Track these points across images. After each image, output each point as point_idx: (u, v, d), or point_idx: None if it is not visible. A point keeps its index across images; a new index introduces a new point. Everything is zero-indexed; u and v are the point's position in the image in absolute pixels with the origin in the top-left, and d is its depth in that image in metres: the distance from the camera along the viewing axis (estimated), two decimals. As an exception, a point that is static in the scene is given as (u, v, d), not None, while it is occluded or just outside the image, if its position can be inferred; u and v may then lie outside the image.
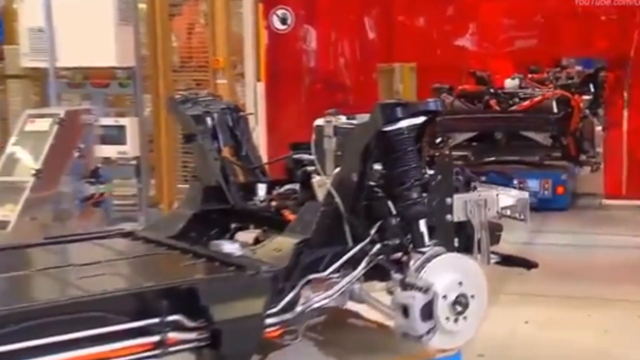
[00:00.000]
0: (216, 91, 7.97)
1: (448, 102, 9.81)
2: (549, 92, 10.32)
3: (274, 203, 3.87)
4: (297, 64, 10.19)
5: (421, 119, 3.29)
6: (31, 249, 3.81)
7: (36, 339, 2.67)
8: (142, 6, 9.14)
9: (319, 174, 3.63)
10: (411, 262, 3.24)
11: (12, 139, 7.35)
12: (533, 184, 9.36)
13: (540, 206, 8.93)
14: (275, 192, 3.93)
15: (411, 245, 3.29)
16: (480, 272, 3.32)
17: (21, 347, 2.64)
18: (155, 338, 2.85)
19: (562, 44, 10.56)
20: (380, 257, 3.29)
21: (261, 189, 3.93)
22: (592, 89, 10.88)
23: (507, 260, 3.70)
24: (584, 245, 7.99)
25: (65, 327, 2.72)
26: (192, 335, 2.93)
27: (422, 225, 3.29)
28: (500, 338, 5.27)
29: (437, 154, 3.56)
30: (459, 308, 3.21)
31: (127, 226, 5.17)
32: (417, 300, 3.12)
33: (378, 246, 3.29)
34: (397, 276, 3.25)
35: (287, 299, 3.13)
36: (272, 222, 3.73)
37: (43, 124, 7.26)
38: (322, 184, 3.55)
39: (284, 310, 3.12)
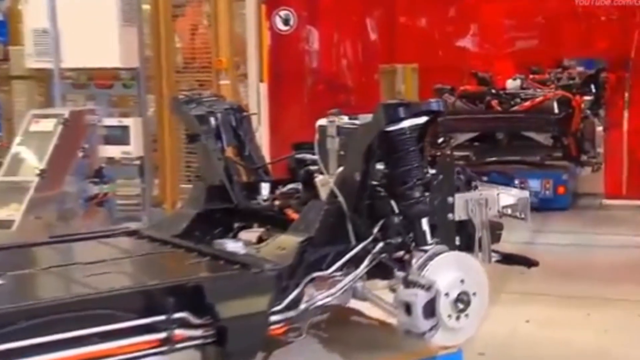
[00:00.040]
0: (219, 92, 8.00)
1: (450, 103, 9.84)
2: (550, 92, 10.37)
3: (277, 202, 3.89)
4: (299, 64, 10.19)
5: (423, 119, 3.32)
6: (37, 247, 3.82)
7: (45, 336, 2.69)
8: (146, 7, 9.18)
9: (322, 174, 3.65)
10: (413, 260, 3.26)
11: (17, 139, 7.39)
12: (534, 183, 9.39)
13: (541, 206, 8.97)
14: (278, 192, 3.95)
15: (413, 244, 3.32)
16: (482, 270, 3.35)
17: (30, 344, 2.67)
18: (162, 335, 2.87)
19: (564, 44, 10.56)
20: (383, 255, 3.32)
21: (264, 189, 3.95)
22: (593, 90, 10.92)
23: (508, 259, 3.73)
24: (585, 245, 8.03)
25: (74, 324, 2.75)
26: (198, 332, 2.95)
27: (425, 223, 3.32)
28: (501, 337, 5.29)
29: (438, 153, 3.59)
30: (460, 305, 3.23)
31: (131, 225, 5.18)
32: (419, 298, 3.15)
33: (380, 244, 3.32)
34: (399, 274, 3.27)
35: (291, 296, 3.15)
36: (275, 221, 3.75)
37: (47, 124, 7.28)
38: (325, 183, 3.56)
39: (288, 307, 3.14)
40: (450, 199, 3.43)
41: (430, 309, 3.17)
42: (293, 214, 3.65)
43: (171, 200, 9.21)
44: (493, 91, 10.51)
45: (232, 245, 3.48)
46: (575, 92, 10.52)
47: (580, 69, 12.38)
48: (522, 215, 3.61)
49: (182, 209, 4.09)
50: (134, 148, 8.36)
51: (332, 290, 3.27)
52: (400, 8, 10.53)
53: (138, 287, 3.01)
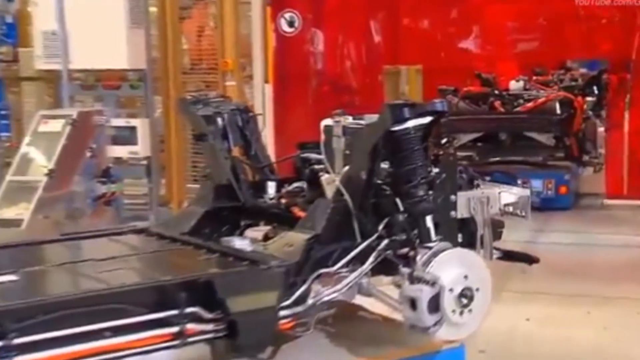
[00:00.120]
0: (225, 93, 8.03)
1: (453, 104, 9.89)
2: (552, 93, 10.40)
3: (283, 200, 3.92)
4: (304, 66, 10.25)
5: (428, 119, 3.37)
6: (49, 245, 3.86)
7: (62, 330, 2.74)
8: (153, 9, 9.24)
9: (327, 173, 3.69)
10: (418, 257, 3.30)
11: (26, 139, 7.47)
12: (537, 183, 9.44)
13: (544, 206, 9.04)
14: (283, 190, 3.99)
15: (418, 241, 3.36)
16: (485, 267, 3.39)
17: (47, 337, 2.72)
18: (175, 329, 2.92)
19: (566, 46, 10.59)
20: (388, 252, 3.36)
21: (271, 187, 3.99)
22: (596, 91, 10.95)
23: (509, 256, 3.77)
24: (586, 244, 8.08)
25: (89, 318, 2.80)
26: (210, 327, 2.99)
27: (429, 221, 3.36)
28: (501, 334, 5.34)
29: (441, 153, 3.64)
30: (464, 301, 3.28)
31: (139, 224, 5.22)
32: (424, 293, 3.19)
33: (385, 242, 3.36)
34: (404, 270, 3.31)
35: (298, 292, 3.20)
36: (282, 219, 3.79)
37: (56, 125, 7.36)
38: (331, 181, 3.60)
39: (296, 303, 3.18)
40: (453, 197, 3.47)
41: (434, 304, 3.21)
42: (299, 212, 3.68)
43: (178, 199, 9.27)
44: (496, 92, 10.54)
45: (239, 243, 3.53)
46: (578, 93, 10.54)
47: (583, 70, 12.41)
48: (523, 213, 3.65)
49: (191, 207, 4.12)
50: (141, 148, 8.43)
51: (338, 286, 3.31)
52: (405, 10, 10.55)
53: (151, 283, 3.05)
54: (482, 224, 3.53)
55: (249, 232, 3.90)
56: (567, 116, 10.00)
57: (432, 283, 3.21)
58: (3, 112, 8.60)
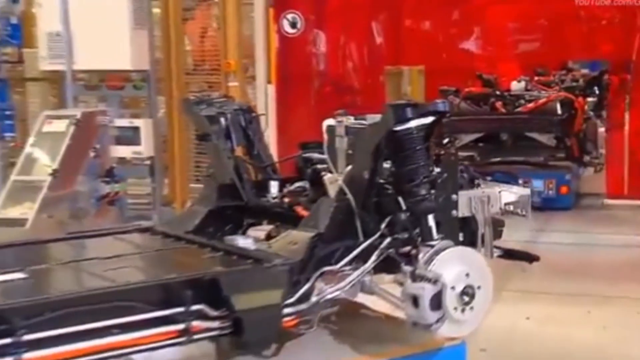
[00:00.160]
0: (228, 93, 8.07)
1: (455, 104, 9.92)
2: (553, 94, 10.43)
3: (286, 200, 3.95)
4: (306, 67, 10.30)
5: (430, 119, 3.38)
6: (55, 243, 3.88)
7: (70, 327, 2.77)
8: (156, 11, 9.26)
9: (330, 172, 3.71)
10: (420, 255, 3.32)
11: (31, 140, 7.53)
12: (538, 183, 9.48)
13: (545, 206, 9.08)
14: (286, 190, 4.01)
15: (420, 239, 3.37)
16: (486, 265, 3.41)
17: (55, 334, 2.75)
18: (180, 326, 2.94)
19: (568, 47, 10.63)
20: (390, 250, 3.38)
21: (273, 187, 4.00)
22: (597, 92, 10.98)
23: (510, 254, 3.79)
24: (586, 244, 8.10)
25: (97, 315, 2.83)
26: (215, 324, 3.02)
27: (431, 220, 3.38)
28: (501, 333, 5.38)
29: (443, 153, 3.66)
30: (466, 298, 3.29)
31: (143, 223, 5.24)
32: (426, 291, 3.21)
33: (388, 240, 3.37)
34: (407, 268, 3.32)
35: (302, 290, 3.22)
36: (285, 218, 3.81)
37: (60, 125, 7.42)
38: (333, 181, 3.62)
39: (300, 300, 3.20)
40: (454, 197, 3.49)
41: (436, 302, 3.23)
42: (302, 211, 3.70)
43: (181, 199, 9.30)
44: (497, 93, 10.57)
45: (242, 242, 3.56)
46: (579, 93, 10.56)
47: (584, 71, 12.43)
48: (523, 212, 3.66)
49: (194, 207, 4.13)
50: (145, 148, 8.46)
51: (341, 284, 3.32)
52: (407, 11, 10.59)
53: (157, 281, 3.08)
54: (482, 223, 3.54)
55: (252, 232, 3.92)
56: (568, 117, 10.03)
57: (434, 281, 3.23)
58: (8, 113, 8.64)
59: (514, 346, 5.40)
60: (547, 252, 6.15)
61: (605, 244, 8.06)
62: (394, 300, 3.41)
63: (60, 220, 7.10)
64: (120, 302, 2.91)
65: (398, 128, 3.33)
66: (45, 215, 6.98)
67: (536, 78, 11.33)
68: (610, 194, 9.75)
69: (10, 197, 7.16)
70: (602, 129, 10.29)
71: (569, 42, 10.46)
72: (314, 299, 3.27)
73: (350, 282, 3.35)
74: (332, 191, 3.61)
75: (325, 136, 3.81)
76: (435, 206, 3.42)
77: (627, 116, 9.60)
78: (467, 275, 3.31)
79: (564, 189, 9.73)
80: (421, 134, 3.37)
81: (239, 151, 4.14)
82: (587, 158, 10.22)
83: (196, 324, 2.98)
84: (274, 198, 4.00)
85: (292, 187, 4.03)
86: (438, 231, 3.41)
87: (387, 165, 3.50)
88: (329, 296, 3.32)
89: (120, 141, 8.14)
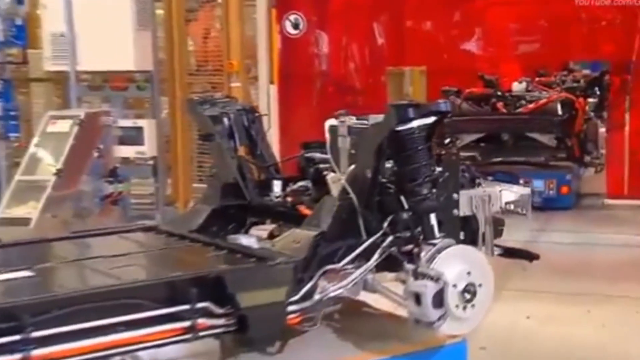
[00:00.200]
0: (230, 94, 8.10)
1: (456, 105, 9.95)
2: (554, 95, 10.47)
3: (289, 199, 3.97)
4: (308, 67, 10.33)
5: (431, 119, 3.40)
6: (61, 242, 3.90)
7: (78, 324, 2.80)
8: (160, 12, 9.30)
9: (333, 172, 3.73)
10: (422, 253, 3.34)
11: (35, 140, 7.56)
12: (538, 183, 9.51)
13: (545, 205, 9.11)
14: (289, 189, 4.03)
15: (421, 238, 3.40)
16: (487, 263, 3.43)
17: (63, 331, 2.77)
18: (186, 323, 2.97)
19: (569, 48, 10.66)
20: (392, 248, 3.40)
21: (276, 186, 4.02)
22: (598, 92, 11.01)
23: (510, 253, 3.80)
24: (587, 243, 8.14)
25: (104, 312, 2.86)
26: (220, 321, 3.04)
27: (433, 218, 3.40)
28: (501, 332, 5.42)
29: (444, 152, 3.68)
30: (467, 296, 3.31)
31: (147, 223, 5.25)
32: (429, 289, 3.24)
33: (390, 239, 3.39)
34: (409, 266, 3.35)
35: (305, 288, 3.24)
36: (287, 217, 3.83)
37: (64, 125, 7.45)
38: (336, 180, 3.65)
39: (303, 298, 3.22)
40: (455, 196, 3.51)
41: (439, 300, 3.25)
42: (305, 210, 3.73)
43: (183, 199, 9.33)
44: (498, 93, 10.61)
45: (245, 240, 3.59)
46: (580, 94, 10.60)
47: (586, 71, 12.46)
48: (524, 211, 3.68)
49: (198, 206, 4.15)
50: (148, 148, 8.51)
51: (344, 282, 3.34)
52: (409, 12, 10.62)
53: (164, 279, 3.10)
54: (483, 222, 3.57)
55: (254, 230, 3.95)
56: (569, 117, 10.07)
57: (437, 279, 3.25)
58: (12, 113, 8.65)
59: (514, 345, 5.43)
60: (547, 252, 6.16)
61: (606, 243, 8.09)
62: (396, 298, 3.43)
63: (64, 220, 7.13)
64: (127, 300, 2.93)
65: (400, 128, 3.35)
66: (49, 215, 7.01)
67: (537, 79, 11.36)
68: (611, 194, 9.77)
69: (14, 197, 7.19)
70: (602, 130, 10.32)
71: (569, 43, 10.49)
72: (317, 296, 3.28)
73: (353, 280, 3.37)
74: (335, 190, 3.63)
75: (328, 136, 3.83)
76: (437, 205, 3.43)
77: (627, 116, 9.62)
78: (469, 273, 3.34)
79: (564, 189, 9.77)
80: (423, 134, 3.39)
81: (242, 151, 4.16)
82: (587, 158, 10.25)
83: (202, 321, 3.01)
84: (277, 197, 4.03)
85: (295, 187, 4.04)
86: (439, 230, 3.43)
87: (389, 164, 3.52)
88: (332, 294, 3.34)
89: (123, 141, 8.18)
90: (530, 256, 3.92)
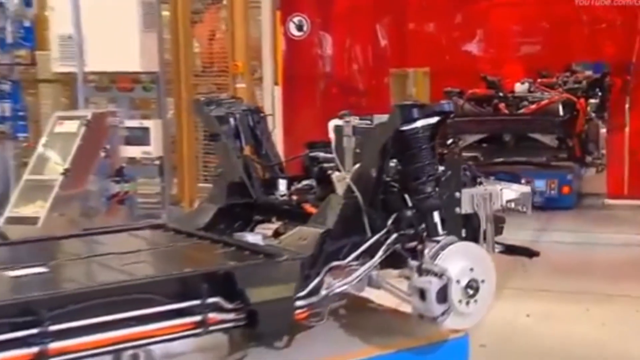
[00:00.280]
0: (236, 95, 8.15)
1: (459, 106, 9.99)
2: (555, 95, 10.51)
3: (294, 197, 4.02)
4: (312, 68, 10.40)
5: (435, 119, 3.45)
6: (72, 239, 3.95)
7: (92, 318, 2.85)
8: (166, 14, 9.35)
9: (338, 170, 3.77)
10: (426, 250, 3.39)
11: (43, 140, 7.62)
12: (540, 183, 9.54)
13: (547, 205, 9.14)
14: (293, 188, 4.08)
15: (425, 235, 3.45)
16: (489, 259, 3.48)
17: (78, 325, 2.83)
18: (197, 318, 3.01)
19: (570, 49, 10.70)
20: (397, 246, 3.44)
21: (282, 185, 4.08)
22: (599, 93, 11.04)
23: (511, 250, 3.85)
24: (588, 243, 8.17)
25: (118, 307, 2.91)
26: (230, 316, 3.08)
27: (436, 216, 3.45)
28: (501, 330, 5.46)
29: (446, 152, 3.74)
30: (470, 292, 3.35)
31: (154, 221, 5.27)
32: (433, 285, 3.28)
33: (394, 236, 3.43)
34: (413, 263, 3.39)
35: (312, 284, 3.29)
36: (293, 215, 3.88)
37: (71, 126, 7.51)
38: (341, 179, 3.68)
39: (311, 294, 3.27)
40: (457, 194, 3.56)
41: (442, 295, 3.30)
42: (310, 208, 3.77)
43: (189, 198, 9.40)
44: (500, 94, 10.63)
45: (251, 238, 3.64)
46: (581, 95, 10.63)
47: (588, 72, 12.50)
48: (524, 209, 3.73)
49: (205, 204, 4.19)
50: (154, 148, 8.59)
51: (349, 279, 3.39)
52: (412, 14, 10.67)
53: (175, 275, 3.15)
54: (484, 220, 3.61)
55: (259, 228, 4.03)
56: (570, 118, 10.10)
57: (440, 275, 3.29)
58: (21, 114, 8.72)
59: (514, 342, 5.47)
60: (548, 251, 6.17)
61: (606, 243, 8.13)
62: (400, 294, 3.47)
63: (72, 219, 7.18)
64: (140, 295, 2.98)
65: (405, 128, 3.40)
66: (56, 214, 7.06)
67: (539, 80, 11.40)
68: (611, 194, 9.81)
69: (22, 196, 7.26)
70: (603, 130, 10.33)
71: (571, 44, 10.53)
72: (323, 292, 3.33)
73: (358, 276, 3.41)
74: (340, 189, 3.67)
75: (333, 136, 3.87)
76: (440, 203, 3.48)
77: (627, 117, 9.67)
78: (472, 269, 3.38)
79: (566, 189, 9.79)
80: (427, 134, 3.43)
81: (247, 150, 4.21)
82: (588, 158, 10.27)
83: (212, 316, 3.05)
84: (282, 196, 4.08)
85: (300, 185, 4.10)
86: (442, 227, 3.47)
87: (393, 163, 3.56)
88: (338, 290, 3.38)
89: (130, 141, 8.24)
90: (530, 253, 3.96)
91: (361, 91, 10.69)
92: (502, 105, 10.47)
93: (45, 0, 9.19)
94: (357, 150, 3.73)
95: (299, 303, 3.25)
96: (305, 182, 4.11)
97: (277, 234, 3.96)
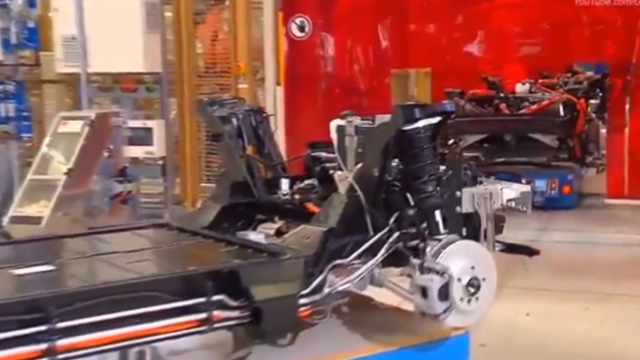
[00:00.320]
0: (238, 95, 8.17)
1: (460, 106, 10.01)
2: (556, 96, 10.54)
3: (296, 197, 4.05)
4: (314, 69, 10.41)
5: (437, 119, 3.48)
6: (77, 238, 3.98)
7: (99, 315, 2.88)
8: (169, 15, 9.38)
9: (340, 170, 3.80)
10: (428, 249, 3.42)
11: (47, 140, 7.62)
12: (541, 184, 9.52)
13: (547, 205, 9.15)
14: (296, 187, 4.11)
15: (427, 234, 3.48)
16: (490, 258, 3.51)
17: (86, 322, 2.86)
18: (202, 315, 3.05)
19: (571, 49, 10.71)
20: (399, 244, 3.48)
21: (284, 184, 4.11)
22: (599, 94, 11.07)
23: (511, 248, 3.88)
24: (588, 242, 8.17)
25: (124, 304, 2.94)
26: (235, 314, 3.12)
27: (438, 215, 3.49)
28: (501, 329, 5.47)
29: (447, 152, 3.77)
30: (471, 290, 3.39)
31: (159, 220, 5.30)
32: (435, 283, 3.31)
33: (396, 234, 3.47)
34: (415, 261, 3.43)
35: (315, 282, 3.32)
36: (295, 214, 3.92)
37: (75, 126, 7.51)
38: (344, 178, 3.71)
39: (314, 292, 3.30)
40: (458, 193, 3.59)
41: (444, 293, 3.33)
42: (312, 207, 3.81)
43: (191, 198, 9.43)
44: (501, 95, 10.65)
45: (254, 237, 3.69)
46: (581, 95, 10.65)
47: (589, 73, 12.52)
48: (524, 208, 3.76)
49: (208, 203, 4.22)
50: (157, 149, 8.60)
51: (352, 277, 3.42)
52: (413, 15, 10.70)
53: (181, 272, 3.19)
54: (485, 219, 3.64)
55: (261, 228, 4.05)
56: (570, 118, 10.11)
57: (442, 273, 3.33)
58: (25, 114, 8.74)
59: (514, 341, 5.48)
60: (549, 250, 6.17)
61: (606, 242, 8.14)
62: (402, 292, 3.50)
63: (75, 219, 7.20)
64: (146, 293, 3.01)
65: (407, 127, 3.43)
66: (60, 214, 7.07)
67: (540, 80, 11.42)
68: (611, 194, 9.82)
69: (26, 196, 7.27)
70: (603, 130, 10.35)
71: (571, 45, 10.55)
72: (326, 290, 3.36)
73: (361, 274, 3.45)
74: (342, 188, 3.70)
75: (335, 135, 3.91)
76: (442, 202, 3.51)
77: (627, 118, 9.69)
78: (473, 267, 3.41)
79: (566, 189, 9.80)
80: (428, 134, 3.47)
81: (250, 150, 4.25)
82: (589, 159, 10.29)
83: (217, 313, 3.08)
84: (285, 195, 4.11)
85: (302, 185, 4.13)
86: (443, 226, 3.50)
87: (395, 163, 3.59)
88: (341, 288, 3.41)
89: (133, 142, 8.24)
90: (530, 251, 4.00)
91: (362, 91, 10.71)
92: (503, 106, 10.48)
93: (49, 1, 9.20)
94: (359, 150, 3.76)
95: (302, 301, 3.28)
96: (307, 182, 4.14)
97: (279, 233, 3.98)
